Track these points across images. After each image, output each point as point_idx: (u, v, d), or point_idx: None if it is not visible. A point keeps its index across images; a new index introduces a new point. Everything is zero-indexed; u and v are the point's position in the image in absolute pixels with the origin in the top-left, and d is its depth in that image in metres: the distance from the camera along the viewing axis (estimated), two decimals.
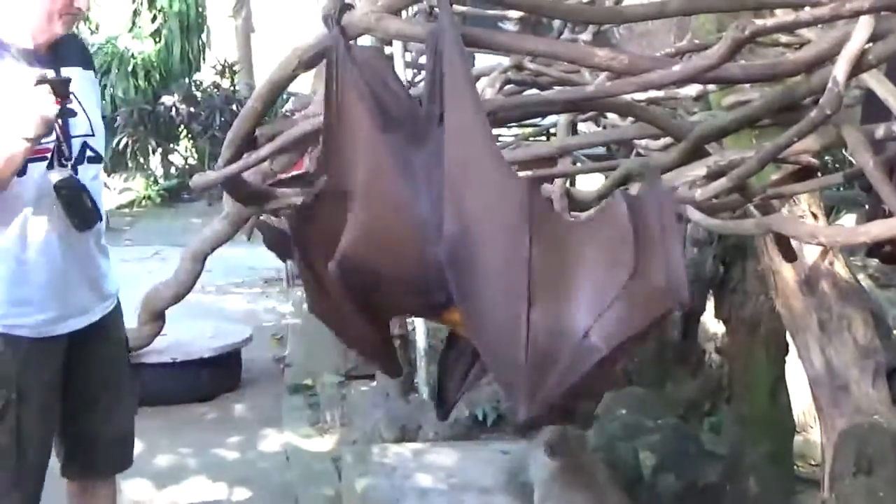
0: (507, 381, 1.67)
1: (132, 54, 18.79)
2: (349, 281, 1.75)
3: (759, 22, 1.65)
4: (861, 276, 5.00)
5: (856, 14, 1.64)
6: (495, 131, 2.08)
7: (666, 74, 1.70)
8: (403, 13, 2.01)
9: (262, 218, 4.05)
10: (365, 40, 3.32)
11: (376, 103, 1.80)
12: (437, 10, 3.88)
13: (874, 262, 10.39)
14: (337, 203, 1.80)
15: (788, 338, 4.46)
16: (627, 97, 2.14)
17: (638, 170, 2.40)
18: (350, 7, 1.89)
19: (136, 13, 19.44)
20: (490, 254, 1.64)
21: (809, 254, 3.03)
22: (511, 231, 1.63)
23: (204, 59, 20.25)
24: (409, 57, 3.76)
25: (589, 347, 1.58)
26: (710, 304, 5.12)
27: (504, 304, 1.62)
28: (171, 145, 19.38)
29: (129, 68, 18.46)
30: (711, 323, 5.13)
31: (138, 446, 3.87)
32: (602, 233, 1.67)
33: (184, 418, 6.66)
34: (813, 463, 5.75)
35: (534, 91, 4.04)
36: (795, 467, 5.20)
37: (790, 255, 2.87)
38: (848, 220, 8.57)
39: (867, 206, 6.38)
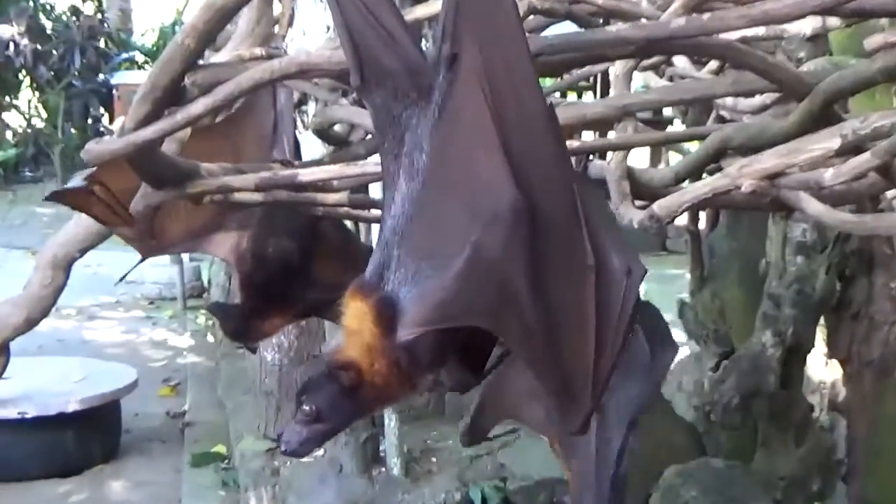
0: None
1: None
2: None
3: None
4: None
5: None
6: None
7: (799, 2, 1.75)
8: None
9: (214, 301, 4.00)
10: None
11: (357, 51, 1.93)
12: None
13: None
14: None
15: None
16: (728, 36, 2.20)
17: (738, 139, 2.47)
18: None
19: None
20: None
21: None
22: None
23: None
24: None
25: None
26: (821, 338, 5.16)
27: None
28: (9, 99, 19.30)
29: None
30: (821, 365, 5.17)
31: None
32: None
33: (41, 501, 6.62)
34: None
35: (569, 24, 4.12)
36: None
37: None
38: None
39: None
